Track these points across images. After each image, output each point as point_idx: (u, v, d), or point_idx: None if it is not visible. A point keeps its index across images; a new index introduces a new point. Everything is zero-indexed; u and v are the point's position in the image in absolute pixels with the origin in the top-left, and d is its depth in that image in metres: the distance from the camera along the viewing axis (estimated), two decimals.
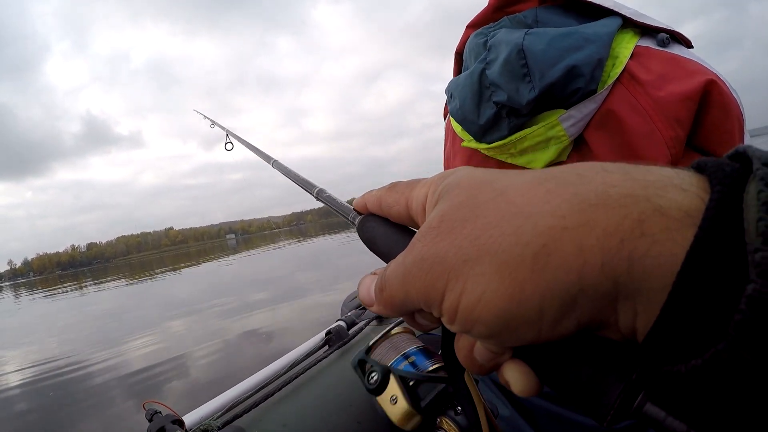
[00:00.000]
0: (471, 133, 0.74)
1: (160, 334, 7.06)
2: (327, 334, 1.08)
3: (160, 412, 0.84)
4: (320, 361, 1.00)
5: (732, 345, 0.16)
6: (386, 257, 0.31)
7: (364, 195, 0.35)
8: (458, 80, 0.74)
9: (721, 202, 0.17)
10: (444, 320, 0.24)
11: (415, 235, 0.25)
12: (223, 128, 1.12)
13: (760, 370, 0.15)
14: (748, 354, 0.15)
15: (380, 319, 1.17)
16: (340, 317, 1.15)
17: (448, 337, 0.29)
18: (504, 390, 0.80)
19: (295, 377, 0.95)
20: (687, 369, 0.17)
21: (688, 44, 0.67)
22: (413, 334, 0.69)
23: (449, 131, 0.84)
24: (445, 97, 0.83)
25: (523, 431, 0.75)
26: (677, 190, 0.18)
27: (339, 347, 1.04)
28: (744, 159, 0.19)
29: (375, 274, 0.28)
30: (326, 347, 1.06)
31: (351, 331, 1.11)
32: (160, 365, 5.13)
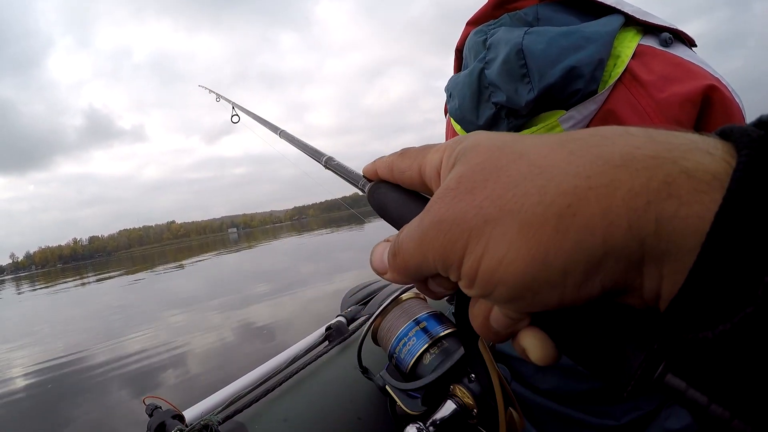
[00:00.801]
0: (469, 132, 0.74)
1: (161, 326, 7.09)
2: (327, 329, 1.08)
3: (161, 407, 0.84)
4: (320, 356, 1.00)
5: (761, 308, 0.15)
6: (398, 224, 0.31)
7: (374, 161, 0.34)
8: (457, 79, 0.74)
9: (749, 165, 0.17)
10: (462, 284, 0.23)
11: (432, 198, 0.24)
12: (228, 101, 1.13)
13: None
14: None
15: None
16: (340, 313, 1.15)
17: (463, 303, 0.29)
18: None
19: (296, 372, 0.95)
20: (714, 335, 0.17)
21: (691, 43, 0.66)
22: (424, 299, 0.68)
23: (449, 129, 0.84)
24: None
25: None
26: (703, 153, 0.18)
27: (339, 343, 1.04)
28: None
29: (388, 241, 0.28)
30: (326, 343, 1.06)
31: (351, 327, 1.11)
32: (160, 358, 5.15)
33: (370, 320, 0.68)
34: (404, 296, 0.67)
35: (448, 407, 0.53)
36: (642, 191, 0.18)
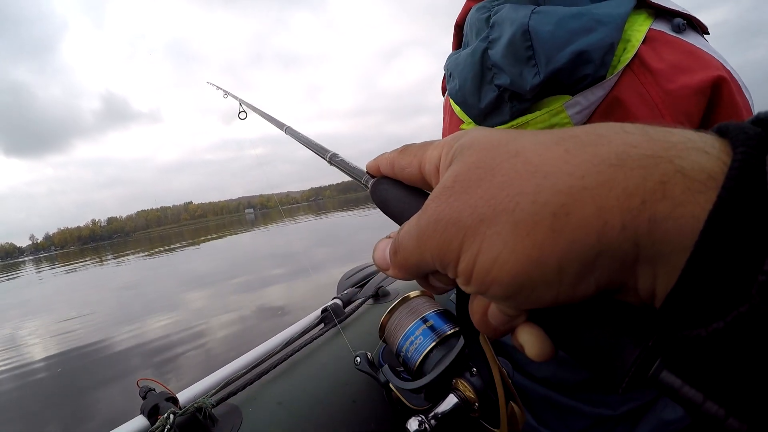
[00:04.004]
0: (471, 116, 0.70)
1: (179, 308, 7.24)
2: (323, 311, 1.07)
3: (154, 390, 0.84)
4: (316, 338, 0.99)
5: (755, 307, 0.15)
6: (399, 219, 0.31)
7: (377, 158, 0.34)
8: (458, 59, 0.69)
9: (744, 163, 0.16)
10: (459, 281, 0.23)
11: (429, 196, 0.25)
12: (236, 98, 1.15)
13: None
14: None
15: (377, 298, 1.15)
16: (336, 295, 1.13)
17: (463, 299, 0.30)
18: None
19: (291, 355, 0.94)
20: (708, 333, 0.17)
21: (704, 30, 0.63)
22: (431, 297, 0.68)
23: (447, 109, 0.80)
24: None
25: None
26: (700, 152, 0.18)
27: (335, 325, 1.03)
28: (766, 125, 0.18)
29: (389, 237, 0.28)
30: (322, 325, 1.05)
31: (347, 309, 1.10)
32: (175, 338, 5.28)
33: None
34: (412, 294, 0.68)
35: (450, 401, 0.53)
36: (637, 191, 0.18)
